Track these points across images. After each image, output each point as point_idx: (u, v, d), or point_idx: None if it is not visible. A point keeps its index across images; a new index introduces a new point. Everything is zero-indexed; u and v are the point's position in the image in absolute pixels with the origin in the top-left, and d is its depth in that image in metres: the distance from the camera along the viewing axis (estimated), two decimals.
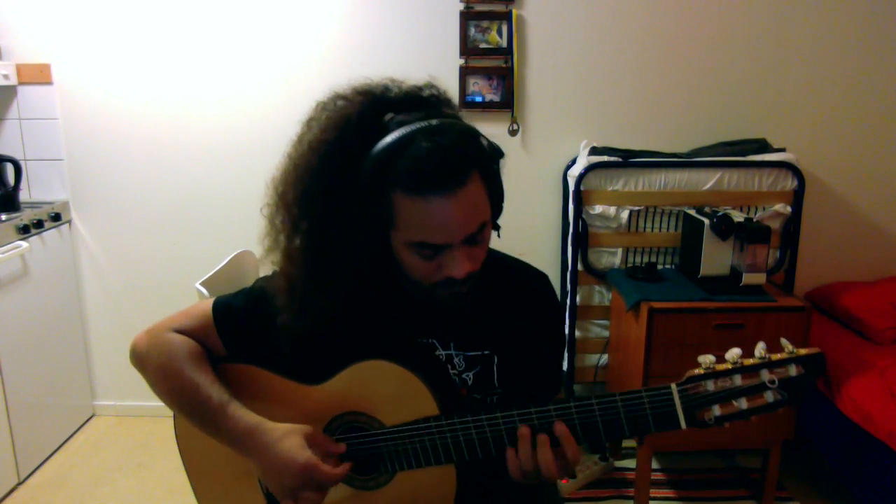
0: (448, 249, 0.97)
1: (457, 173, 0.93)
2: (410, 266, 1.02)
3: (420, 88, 1.04)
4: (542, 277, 1.21)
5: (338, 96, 1.03)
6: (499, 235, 1.08)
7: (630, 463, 2.45)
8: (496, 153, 1.01)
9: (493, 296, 1.12)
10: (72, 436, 2.71)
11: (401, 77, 1.05)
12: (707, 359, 0.94)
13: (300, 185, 1.00)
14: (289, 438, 1.02)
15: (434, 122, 0.95)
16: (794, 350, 0.92)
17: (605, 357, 2.48)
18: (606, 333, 2.48)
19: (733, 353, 0.93)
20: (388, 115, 0.98)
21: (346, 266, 1.03)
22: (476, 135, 0.99)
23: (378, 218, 0.98)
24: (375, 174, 0.95)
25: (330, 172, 0.98)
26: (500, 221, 1.07)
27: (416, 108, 0.99)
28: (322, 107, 1.03)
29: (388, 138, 0.94)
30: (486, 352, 1.12)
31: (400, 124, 0.95)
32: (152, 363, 1.10)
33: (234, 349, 1.13)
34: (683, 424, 0.94)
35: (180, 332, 1.11)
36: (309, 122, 1.03)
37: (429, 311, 1.10)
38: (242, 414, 1.04)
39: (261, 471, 1.04)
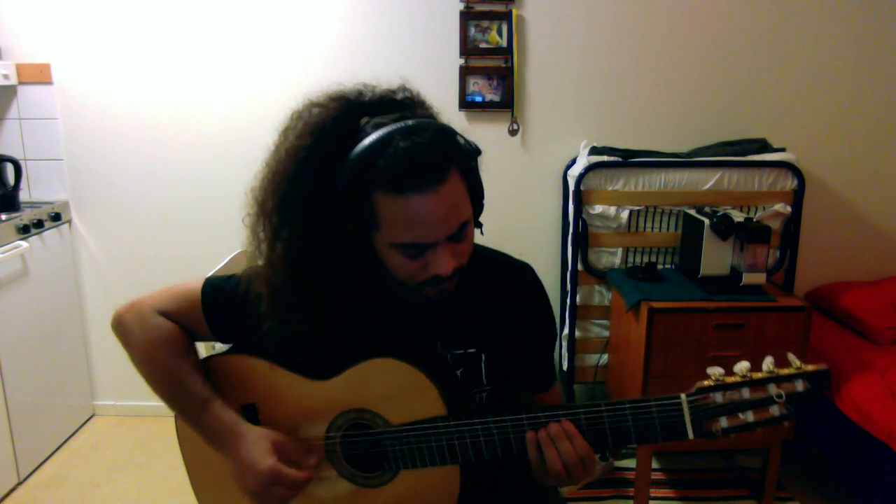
0: (433, 248, 0.98)
1: (436, 170, 0.94)
2: (395, 266, 1.02)
3: (393, 91, 1.04)
4: (525, 269, 1.20)
5: (312, 104, 1.03)
6: (482, 233, 1.08)
7: (630, 463, 2.45)
8: (473, 151, 1.02)
9: (477, 292, 1.12)
10: (72, 436, 2.71)
11: (373, 81, 1.05)
12: (716, 371, 0.96)
13: (279, 192, 1.00)
14: (257, 444, 1.04)
15: (410, 122, 0.95)
16: (802, 365, 0.94)
17: (605, 357, 2.48)
18: (606, 333, 2.48)
19: (742, 366, 0.95)
20: (364, 119, 0.98)
21: (329, 271, 1.03)
22: (452, 133, 0.99)
23: (360, 220, 0.98)
24: (355, 176, 0.95)
25: (308, 178, 0.98)
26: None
27: (391, 111, 1.00)
28: (297, 115, 1.03)
29: (367, 140, 0.94)
30: (473, 350, 1.12)
31: (377, 126, 0.96)
32: (136, 344, 1.12)
33: (219, 334, 1.15)
34: (691, 435, 0.95)
35: (167, 314, 1.12)
36: (285, 132, 1.04)
37: (414, 311, 1.11)
38: (222, 413, 1.07)
39: (232, 472, 1.06)
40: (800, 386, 0.93)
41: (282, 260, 1.02)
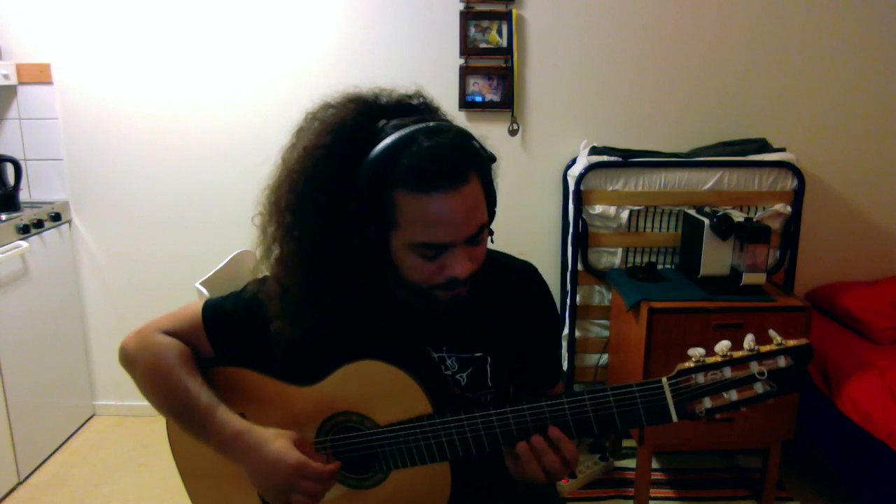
0: (450, 249, 0.98)
1: (459, 171, 0.94)
2: (410, 268, 1.01)
3: (409, 96, 1.05)
4: (529, 270, 1.20)
5: (328, 105, 1.03)
6: (492, 241, 1.08)
7: (630, 463, 2.45)
8: (490, 157, 1.02)
9: (483, 295, 1.12)
10: (72, 436, 2.71)
11: (389, 85, 1.06)
12: (697, 352, 0.95)
13: (295, 191, 1.00)
14: (278, 440, 1.02)
15: (431, 123, 0.96)
16: (783, 341, 0.93)
17: (605, 357, 2.48)
18: (606, 333, 2.48)
19: (723, 345, 0.95)
20: (382, 121, 0.99)
21: (340, 271, 1.03)
22: (471, 137, 1.00)
23: (378, 219, 0.98)
24: (376, 174, 0.95)
25: (325, 177, 0.98)
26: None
27: (408, 115, 1.00)
28: (312, 115, 1.04)
29: (389, 139, 0.95)
30: (479, 354, 1.12)
31: (396, 128, 0.96)
32: (140, 365, 1.10)
33: (222, 352, 1.13)
34: (675, 417, 0.95)
35: (169, 333, 1.11)
36: (299, 132, 1.04)
37: (420, 315, 1.11)
38: (230, 418, 1.05)
39: (250, 474, 1.04)
40: (782, 362, 0.92)
41: (293, 258, 1.02)
